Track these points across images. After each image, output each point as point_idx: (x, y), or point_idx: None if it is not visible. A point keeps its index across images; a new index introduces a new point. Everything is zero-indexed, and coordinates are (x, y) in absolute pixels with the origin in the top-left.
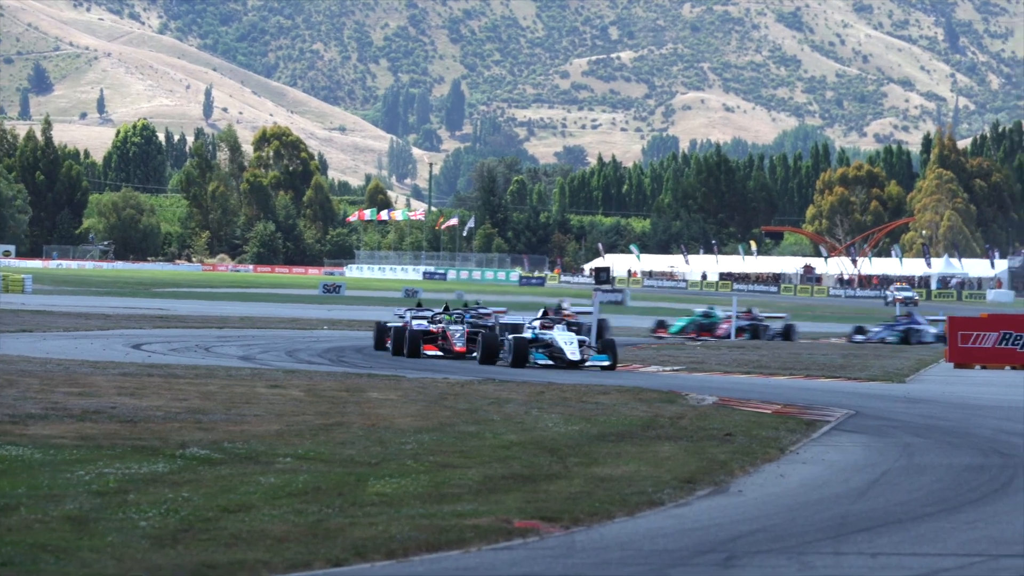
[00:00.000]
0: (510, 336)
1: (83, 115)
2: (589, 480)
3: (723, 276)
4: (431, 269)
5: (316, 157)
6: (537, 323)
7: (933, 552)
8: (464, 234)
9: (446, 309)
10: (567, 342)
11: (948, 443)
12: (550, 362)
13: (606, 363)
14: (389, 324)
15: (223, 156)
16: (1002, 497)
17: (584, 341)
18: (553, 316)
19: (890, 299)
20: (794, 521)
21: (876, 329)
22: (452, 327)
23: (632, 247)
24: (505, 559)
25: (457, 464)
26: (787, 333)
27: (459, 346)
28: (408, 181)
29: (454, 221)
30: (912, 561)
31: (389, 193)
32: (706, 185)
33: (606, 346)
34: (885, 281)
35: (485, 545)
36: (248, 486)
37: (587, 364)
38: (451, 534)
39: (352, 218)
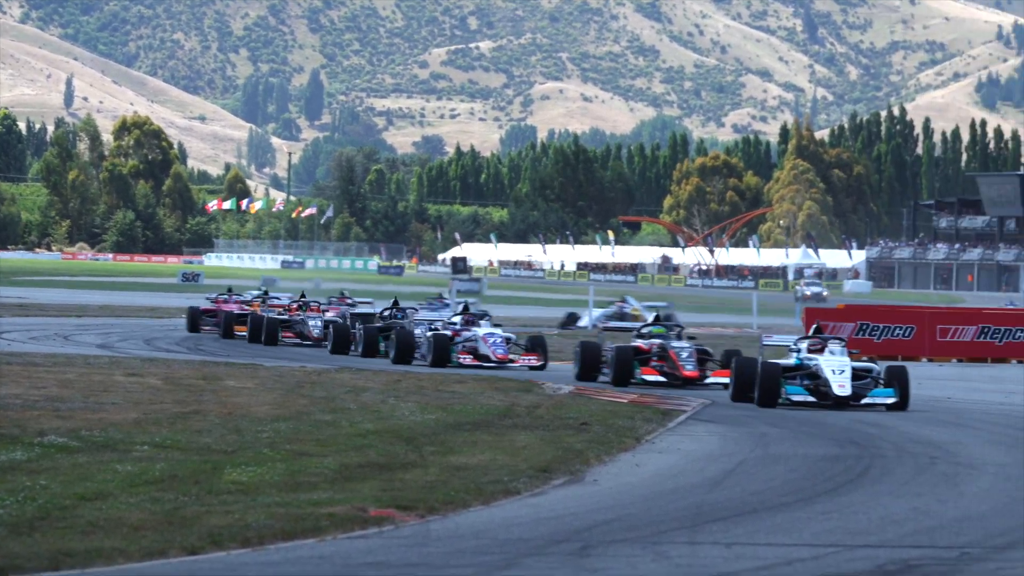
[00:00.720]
0: (761, 362)
1: None
2: (445, 469)
3: (580, 266)
4: (290, 258)
5: (176, 146)
6: (804, 344)
7: (788, 542)
8: (322, 223)
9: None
10: (836, 370)
11: (804, 433)
12: (810, 398)
13: (891, 400)
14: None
15: (83, 145)
16: (857, 487)
17: (871, 370)
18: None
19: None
20: (649, 511)
21: None
22: (674, 344)
23: (491, 236)
24: (360, 548)
25: (313, 453)
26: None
27: (689, 370)
28: (267, 170)
29: (312, 210)
30: (767, 551)
31: (248, 182)
32: (564, 175)
33: (892, 376)
34: (753, 271)
35: (341, 534)
36: (105, 474)
37: (864, 402)
38: (307, 522)
39: (211, 207)
